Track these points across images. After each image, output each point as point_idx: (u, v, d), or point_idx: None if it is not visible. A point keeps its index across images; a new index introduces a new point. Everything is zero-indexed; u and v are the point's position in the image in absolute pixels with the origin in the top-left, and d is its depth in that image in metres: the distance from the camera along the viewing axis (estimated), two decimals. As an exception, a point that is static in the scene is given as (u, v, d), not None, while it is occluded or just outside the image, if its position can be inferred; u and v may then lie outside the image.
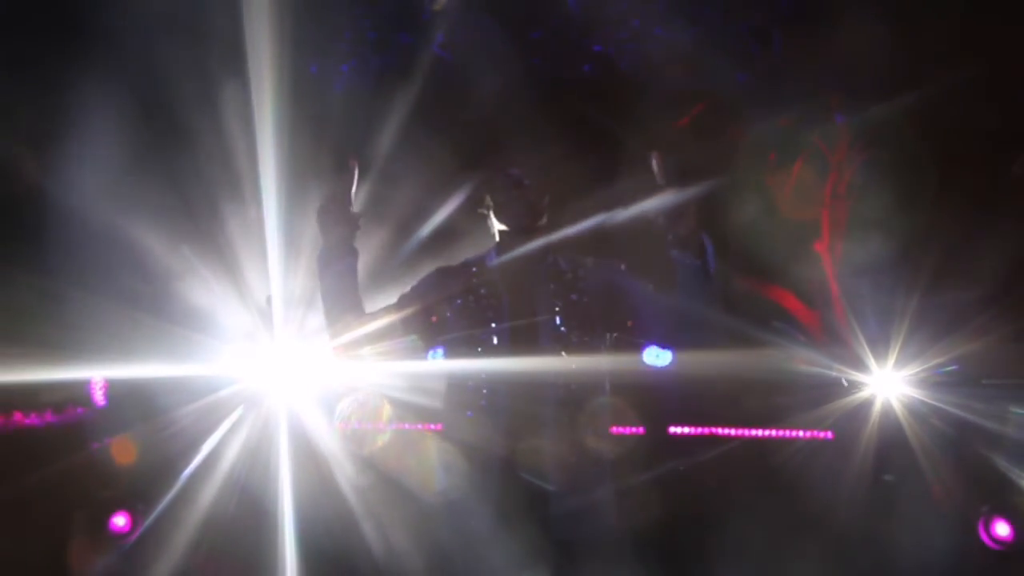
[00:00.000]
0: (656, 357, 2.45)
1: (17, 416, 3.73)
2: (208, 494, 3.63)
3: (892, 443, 3.74)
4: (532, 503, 2.22)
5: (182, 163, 3.78)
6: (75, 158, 3.74)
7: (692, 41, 4.07)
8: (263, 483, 3.61)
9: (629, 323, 2.38)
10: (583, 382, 2.31)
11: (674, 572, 3.29)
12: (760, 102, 4.15)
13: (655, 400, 3.77)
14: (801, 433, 3.90)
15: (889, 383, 3.76)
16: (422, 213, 3.91)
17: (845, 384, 3.80)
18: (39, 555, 3.50)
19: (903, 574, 3.55)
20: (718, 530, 3.57)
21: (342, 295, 2.36)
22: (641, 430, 3.90)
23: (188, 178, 3.78)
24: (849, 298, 4.03)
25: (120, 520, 3.70)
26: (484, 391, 2.29)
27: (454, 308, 2.40)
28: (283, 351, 3.46)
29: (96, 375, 3.79)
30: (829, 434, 3.88)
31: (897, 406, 3.75)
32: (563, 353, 2.31)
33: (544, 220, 2.43)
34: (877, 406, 3.77)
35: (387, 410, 3.79)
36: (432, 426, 3.71)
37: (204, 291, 3.76)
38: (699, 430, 4.01)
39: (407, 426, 3.82)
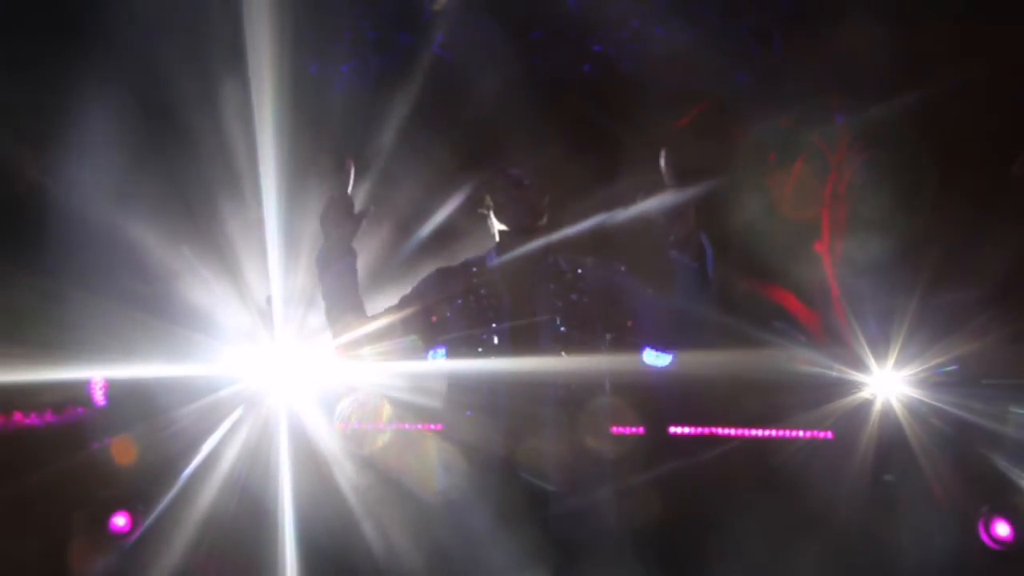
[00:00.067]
0: (656, 357, 2.44)
1: (17, 416, 3.73)
2: (208, 494, 3.63)
3: (892, 443, 3.74)
4: (532, 503, 2.22)
5: (182, 163, 3.78)
6: (75, 158, 3.74)
7: (692, 41, 4.07)
8: (263, 483, 3.61)
9: (629, 323, 2.38)
10: (583, 382, 2.31)
11: (674, 572, 3.29)
12: (760, 102, 4.15)
13: (655, 400, 3.77)
14: (801, 433, 3.90)
15: (889, 383, 3.76)
16: (422, 213, 3.91)
17: (835, 372, 3.80)
18: (39, 555, 3.50)
19: (903, 574, 3.55)
20: (718, 530, 3.57)
21: (342, 295, 2.36)
22: (641, 430, 3.90)
23: (188, 178, 3.78)
24: (849, 298, 4.03)
25: (120, 520, 3.70)
26: (484, 391, 2.29)
27: (454, 308, 2.40)
28: (283, 351, 3.46)
29: (96, 375, 3.79)
30: (829, 434, 3.88)
31: (897, 406, 3.75)
32: (563, 353, 2.31)
33: (544, 220, 2.42)
34: (877, 406, 3.77)
35: (387, 410, 3.79)
36: (432, 426, 3.72)
37: (204, 291, 3.76)
38: (699, 430, 4.01)
39: (407, 426, 3.82)
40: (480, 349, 2.33)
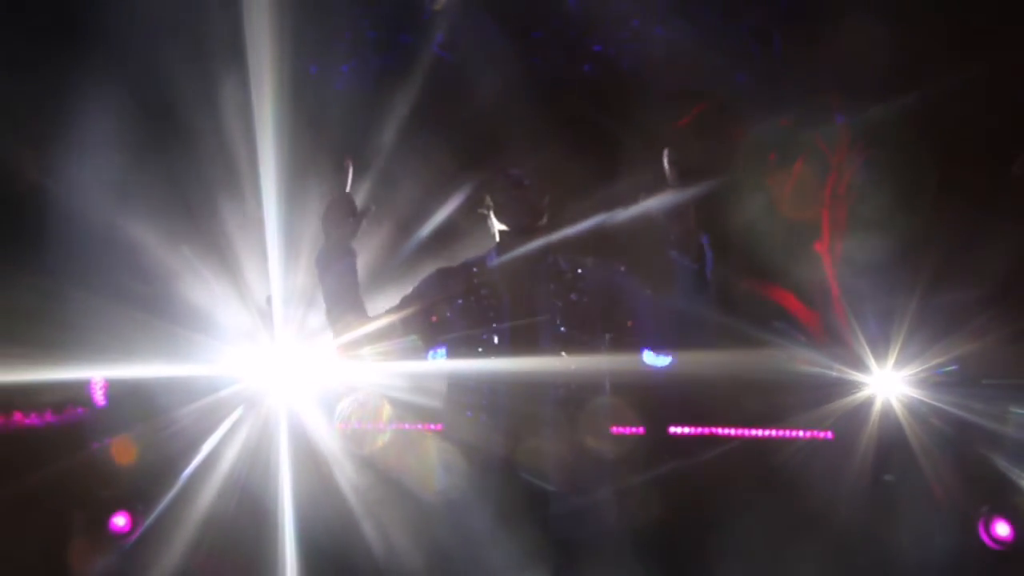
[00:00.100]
0: (656, 358, 2.44)
1: (17, 416, 3.73)
2: (208, 494, 3.63)
3: (892, 443, 3.74)
4: (532, 503, 2.22)
5: (182, 163, 3.78)
6: (75, 158, 3.74)
7: (692, 41, 4.07)
8: (263, 483, 3.61)
9: (629, 323, 2.38)
10: (583, 382, 2.31)
11: (674, 572, 3.29)
12: (760, 102, 4.15)
13: (655, 400, 3.77)
14: (801, 433, 3.90)
15: (889, 383, 3.76)
16: (422, 213, 3.91)
17: (835, 372, 3.80)
18: (39, 555, 3.50)
19: (903, 574, 3.55)
20: (718, 530, 3.57)
21: (343, 295, 2.36)
22: (641, 430, 3.90)
23: (188, 178, 3.78)
24: (849, 298, 4.03)
25: (120, 520, 3.70)
26: (484, 391, 2.30)
27: (455, 308, 2.40)
28: (283, 351, 3.46)
29: (96, 375, 3.79)
30: (829, 434, 3.88)
31: (897, 406, 3.75)
32: (563, 353, 2.31)
33: (544, 220, 2.43)
34: (877, 406, 3.77)
35: (387, 410, 3.79)
36: (432, 426, 3.72)
37: (204, 291, 3.76)
38: (699, 430, 4.01)
39: (407, 426, 3.82)
40: (480, 349, 2.33)
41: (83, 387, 3.83)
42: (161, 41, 3.64)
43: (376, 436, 3.79)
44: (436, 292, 2.44)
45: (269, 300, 3.38)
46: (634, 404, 3.46)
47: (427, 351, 2.44)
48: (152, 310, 3.67)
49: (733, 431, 3.99)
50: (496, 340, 2.33)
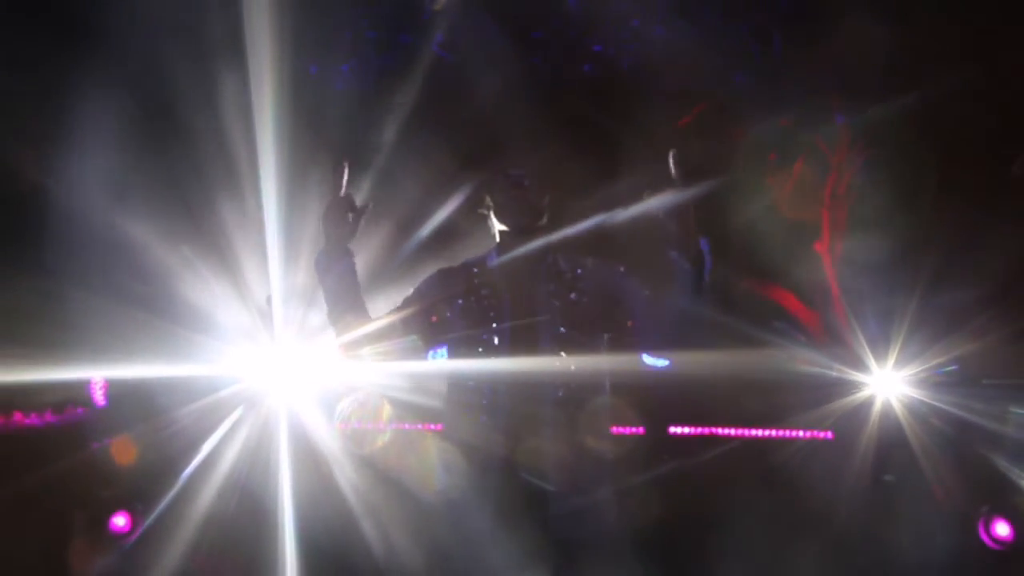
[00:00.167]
0: (654, 359, 2.45)
1: (17, 416, 3.73)
2: (208, 494, 3.63)
3: (892, 443, 3.74)
4: (532, 503, 2.22)
5: (182, 163, 3.78)
6: (76, 158, 3.74)
7: (692, 41, 4.07)
8: (263, 483, 3.61)
9: (629, 323, 2.38)
10: (583, 382, 2.31)
11: (674, 572, 3.29)
12: (760, 102, 4.15)
13: (655, 400, 3.77)
14: (801, 433, 3.90)
15: (889, 383, 3.76)
16: (422, 213, 3.91)
17: (835, 372, 3.80)
18: (39, 555, 3.50)
19: (903, 574, 3.55)
20: (718, 530, 3.57)
21: (344, 296, 2.36)
22: (641, 430, 3.90)
23: (188, 178, 3.78)
24: (849, 298, 4.03)
25: (120, 520, 3.69)
26: (484, 391, 2.30)
27: (455, 308, 2.40)
28: (283, 351, 3.46)
29: (96, 375, 3.79)
30: (829, 434, 3.88)
31: (897, 406, 3.75)
32: (563, 353, 2.31)
33: (544, 220, 2.43)
34: (877, 406, 3.77)
35: (387, 410, 3.79)
36: (432, 426, 3.72)
37: (204, 291, 3.76)
38: (699, 430, 4.01)
39: (407, 426, 3.82)
40: (480, 349, 2.33)
41: (83, 387, 3.82)
42: (161, 41, 3.64)
43: (376, 436, 3.79)
44: (436, 292, 2.44)
45: (269, 300, 3.38)
46: (634, 404, 3.47)
47: (427, 351, 2.44)
48: (152, 310, 3.67)
49: (733, 431, 3.98)
50: (496, 340, 2.33)
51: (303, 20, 3.36)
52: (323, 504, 3.50)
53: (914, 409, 3.72)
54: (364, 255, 2.46)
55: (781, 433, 3.93)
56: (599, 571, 2.24)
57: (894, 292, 3.78)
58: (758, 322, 3.78)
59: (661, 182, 2.21)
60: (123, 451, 3.74)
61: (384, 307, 2.47)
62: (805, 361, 3.82)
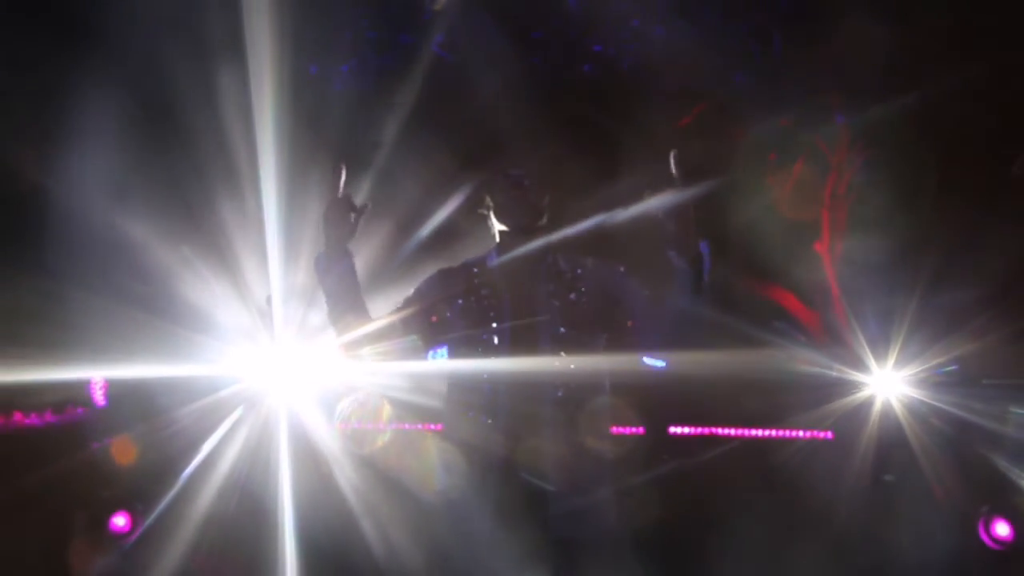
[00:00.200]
0: (652, 360, 2.45)
1: (17, 416, 3.73)
2: (208, 494, 3.63)
3: (892, 443, 3.74)
4: (532, 503, 2.22)
5: (182, 163, 3.78)
6: (75, 158, 3.74)
7: (692, 41, 4.07)
8: (263, 483, 3.61)
9: (628, 323, 2.39)
10: (583, 382, 2.31)
11: (674, 572, 3.29)
12: (760, 102, 4.15)
13: (655, 400, 3.77)
14: (801, 433, 3.90)
15: (889, 383, 3.76)
16: (422, 213, 3.91)
17: (835, 372, 3.80)
18: (39, 555, 3.50)
19: (903, 574, 3.55)
20: (718, 530, 3.57)
21: (344, 296, 2.36)
22: (641, 430, 3.90)
23: (188, 178, 3.78)
24: (849, 298, 4.03)
25: (120, 520, 3.69)
26: (484, 391, 2.30)
27: (455, 308, 2.40)
28: (283, 351, 3.46)
29: (96, 375, 3.79)
30: (829, 434, 3.88)
31: (897, 406, 3.75)
32: (563, 353, 2.31)
33: (544, 220, 2.43)
34: (877, 406, 3.77)
35: (387, 410, 3.79)
36: (432, 426, 3.72)
37: (204, 291, 3.76)
38: (699, 430, 4.01)
39: (407, 426, 3.82)
40: (480, 349, 2.33)
41: (83, 387, 3.82)
42: (161, 41, 3.64)
43: (376, 436, 3.79)
44: (436, 292, 2.44)
45: (269, 300, 3.38)
46: (634, 404, 3.46)
47: (427, 351, 2.44)
48: (152, 310, 3.67)
49: (733, 431, 3.98)
50: (496, 340, 2.33)
51: (303, 20, 3.36)
52: (323, 504, 3.50)
53: (914, 409, 3.72)
54: (364, 255, 2.47)
55: (781, 433, 3.93)
56: (599, 571, 2.24)
57: (894, 292, 3.78)
58: (758, 322, 3.78)
59: (661, 182, 2.21)
60: (123, 451, 3.74)
61: (384, 307, 2.47)
62: (805, 361, 3.82)
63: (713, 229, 2.27)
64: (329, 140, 3.70)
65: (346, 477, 3.52)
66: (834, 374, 3.82)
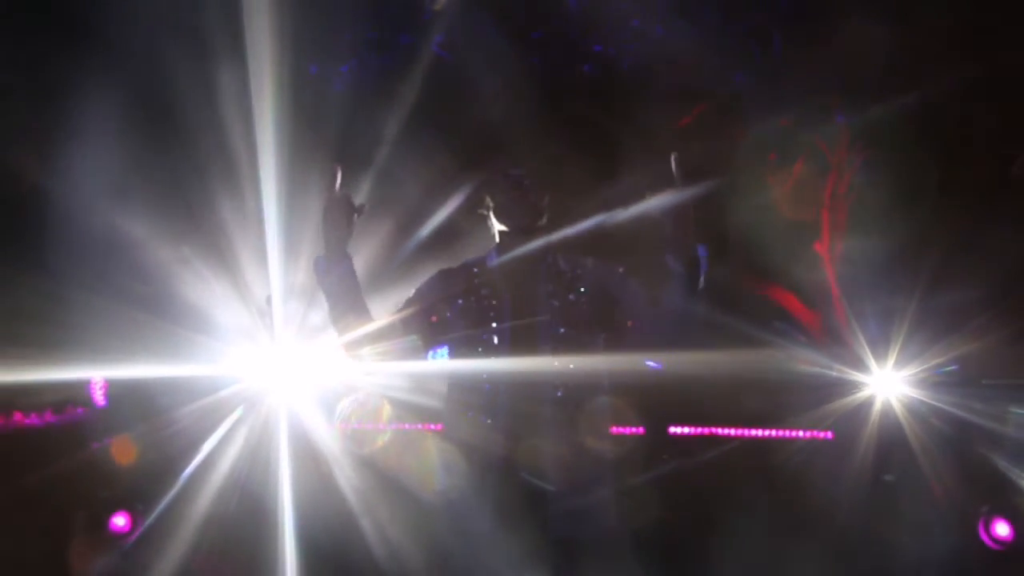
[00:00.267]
0: (650, 362, 2.45)
1: (17, 416, 3.73)
2: (208, 494, 3.63)
3: (892, 443, 3.74)
4: (532, 503, 2.22)
5: (182, 163, 3.78)
6: (76, 158, 3.74)
7: (692, 41, 4.07)
8: (263, 483, 3.61)
9: (628, 323, 2.39)
10: (583, 382, 2.31)
11: (674, 572, 3.29)
12: (760, 102, 4.15)
13: (655, 400, 3.76)
14: (801, 433, 3.90)
15: (889, 383, 3.76)
16: (422, 214, 3.91)
17: (835, 372, 3.80)
18: (39, 555, 3.50)
19: (903, 574, 3.55)
20: (718, 530, 3.57)
21: (345, 297, 2.36)
22: (641, 430, 3.90)
23: (188, 178, 3.78)
24: (849, 298, 4.03)
25: (120, 520, 3.70)
26: (484, 391, 2.30)
27: (455, 308, 2.40)
28: (283, 351, 3.46)
29: (96, 375, 3.79)
30: (829, 434, 3.88)
31: (897, 406, 3.75)
32: (563, 353, 2.31)
33: (544, 220, 2.43)
34: (877, 406, 3.77)
35: (387, 410, 3.79)
36: (432, 426, 3.72)
37: (204, 291, 3.76)
38: (699, 430, 4.01)
39: (407, 426, 3.82)
40: (480, 349, 2.33)
41: (83, 387, 3.82)
42: (161, 41, 3.64)
43: (376, 436, 3.79)
44: (437, 292, 2.44)
45: (269, 300, 3.38)
46: (634, 404, 3.47)
47: (427, 351, 2.44)
48: (152, 310, 3.67)
49: (733, 431, 3.98)
50: (496, 340, 2.33)
51: (303, 20, 3.36)
52: (323, 504, 3.50)
53: (914, 409, 3.72)
54: (364, 256, 2.47)
55: (781, 433, 3.93)
56: (599, 571, 2.24)
57: (894, 292, 3.78)
58: (758, 322, 3.78)
59: (661, 183, 2.21)
60: (123, 451, 3.74)
61: (384, 307, 2.47)
62: (805, 361, 3.82)
63: (713, 229, 2.27)
64: (329, 140, 3.70)
65: (346, 477, 3.52)
66: (834, 374, 3.82)
